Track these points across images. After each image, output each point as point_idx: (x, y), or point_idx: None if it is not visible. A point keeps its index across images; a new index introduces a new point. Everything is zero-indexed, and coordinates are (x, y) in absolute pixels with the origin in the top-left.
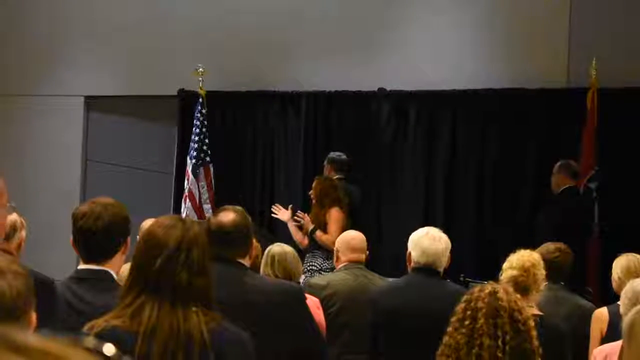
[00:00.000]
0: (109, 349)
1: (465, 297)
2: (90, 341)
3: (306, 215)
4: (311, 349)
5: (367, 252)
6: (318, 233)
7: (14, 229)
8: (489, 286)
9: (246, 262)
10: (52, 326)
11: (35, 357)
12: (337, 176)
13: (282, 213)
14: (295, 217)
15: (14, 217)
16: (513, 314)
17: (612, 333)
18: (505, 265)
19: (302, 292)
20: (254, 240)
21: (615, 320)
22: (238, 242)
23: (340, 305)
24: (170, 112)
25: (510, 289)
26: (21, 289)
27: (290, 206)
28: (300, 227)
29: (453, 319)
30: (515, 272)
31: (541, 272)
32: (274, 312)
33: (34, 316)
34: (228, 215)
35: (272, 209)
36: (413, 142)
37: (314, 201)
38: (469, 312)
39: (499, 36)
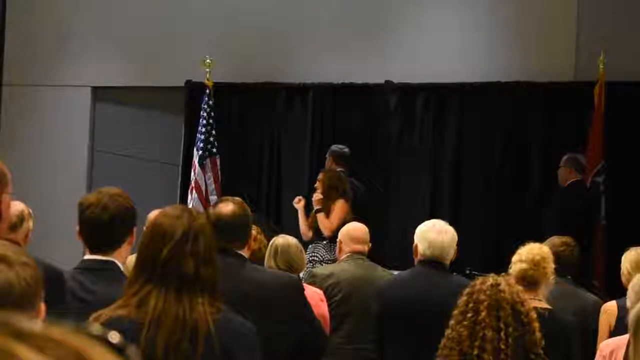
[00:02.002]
0: (114, 336)
1: (467, 290)
2: (95, 328)
3: (320, 194)
4: (310, 340)
5: (370, 244)
6: (322, 215)
7: (21, 219)
8: (490, 278)
9: (245, 253)
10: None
11: (37, 343)
12: (339, 169)
13: (300, 203)
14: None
15: (21, 207)
16: (515, 306)
17: (620, 327)
18: (514, 258)
19: (300, 283)
20: (258, 232)
21: (624, 314)
22: (236, 233)
23: (343, 295)
24: (177, 103)
25: (513, 281)
26: (29, 280)
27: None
28: (307, 209)
29: (455, 311)
30: (525, 266)
31: (551, 266)
32: (271, 303)
33: (42, 307)
34: (227, 206)
35: (294, 201)
36: (420, 135)
37: (320, 192)
38: (471, 305)
39: (506, 29)
